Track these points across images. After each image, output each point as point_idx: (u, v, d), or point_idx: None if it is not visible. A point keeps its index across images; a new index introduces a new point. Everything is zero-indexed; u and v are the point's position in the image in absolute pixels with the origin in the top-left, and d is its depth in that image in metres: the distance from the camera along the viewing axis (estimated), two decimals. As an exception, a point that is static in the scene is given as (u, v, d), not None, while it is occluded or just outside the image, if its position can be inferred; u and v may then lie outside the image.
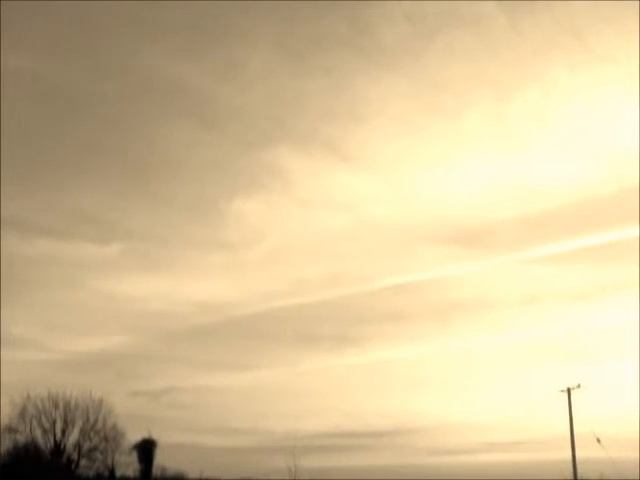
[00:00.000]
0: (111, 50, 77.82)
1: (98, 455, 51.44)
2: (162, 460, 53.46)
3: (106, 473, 51.72)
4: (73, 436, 50.98)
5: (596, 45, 75.98)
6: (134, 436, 52.37)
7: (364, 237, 77.71)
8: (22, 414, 50.10)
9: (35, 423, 50.37)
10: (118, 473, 52.08)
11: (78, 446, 50.96)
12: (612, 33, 73.96)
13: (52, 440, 50.46)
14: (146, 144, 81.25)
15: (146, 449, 52.67)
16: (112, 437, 51.41)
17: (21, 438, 50.14)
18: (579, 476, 46.78)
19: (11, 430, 49.71)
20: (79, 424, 51.14)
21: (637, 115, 70.61)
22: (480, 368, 70.08)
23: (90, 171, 78.20)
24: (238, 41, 79.44)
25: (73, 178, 77.88)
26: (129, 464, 52.61)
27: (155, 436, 53.02)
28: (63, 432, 50.94)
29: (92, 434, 51.26)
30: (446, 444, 63.56)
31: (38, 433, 50.40)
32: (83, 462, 51.14)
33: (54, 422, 50.80)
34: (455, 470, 57.95)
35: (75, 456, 50.86)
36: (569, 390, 47.70)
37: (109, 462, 51.63)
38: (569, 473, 46.47)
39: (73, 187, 77.14)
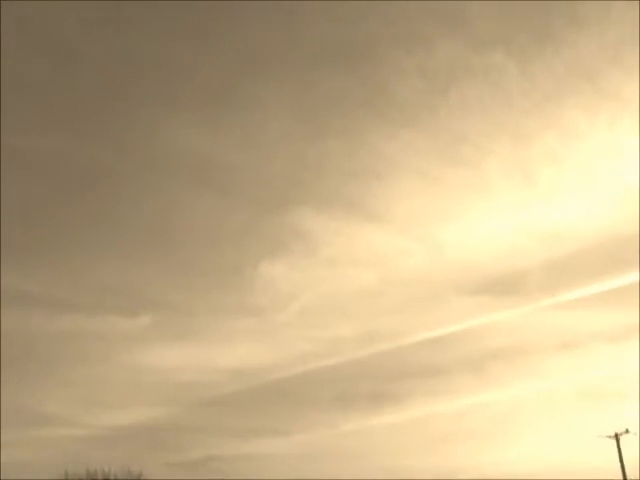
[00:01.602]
0: (127, 125, 79.63)
1: (140, 530, 50.41)
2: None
3: None
4: (113, 513, 50.06)
5: (608, 87, 76.41)
6: (174, 509, 51.57)
7: (393, 293, 77.26)
8: (61, 493, 49.38)
9: (74, 501, 49.59)
10: None
11: (119, 522, 49.99)
12: (622, 74, 74.61)
13: (92, 518, 49.56)
14: (168, 216, 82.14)
15: (188, 522, 51.75)
16: (152, 511, 50.49)
17: (61, 518, 49.30)
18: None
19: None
20: (119, 500, 50.29)
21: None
22: (522, 417, 68.46)
23: (114, 246, 78.88)
24: (253, 107, 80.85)
25: (97, 254, 78.52)
26: (172, 538, 51.65)
27: (196, 508, 52.21)
28: (102, 509, 50.07)
29: (132, 509, 50.33)
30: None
31: (78, 511, 49.56)
32: (125, 539, 50.14)
33: (93, 499, 50.01)
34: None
35: (117, 533, 49.87)
36: (617, 435, 46.54)
37: (151, 537, 50.61)
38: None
39: (98, 262, 77.74)
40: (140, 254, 78.76)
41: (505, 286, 76.44)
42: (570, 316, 73.02)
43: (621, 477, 46.04)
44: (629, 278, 68.85)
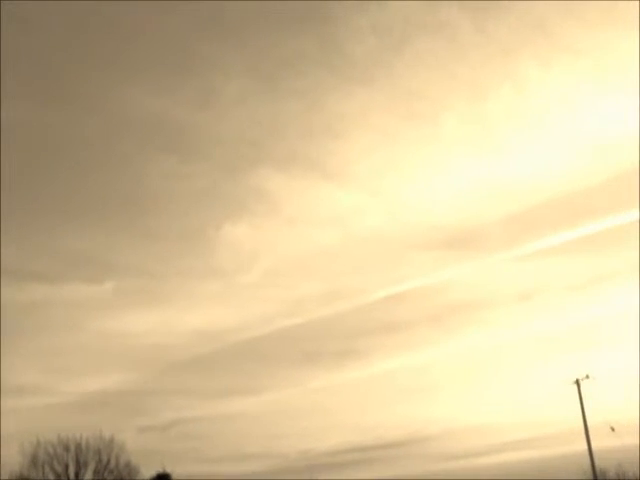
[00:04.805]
0: (86, 91, 78.31)
1: (114, 494, 50.88)
2: (179, 493, 53.12)
3: (124, 512, 51.14)
4: (87, 478, 50.35)
5: (561, 38, 77.20)
6: (148, 471, 51.96)
7: (355, 250, 78.04)
8: (34, 461, 49.40)
9: (48, 469, 49.62)
10: (136, 510, 51.55)
11: (93, 487, 50.37)
12: (575, 25, 75.47)
13: (67, 484, 49.88)
14: (129, 181, 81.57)
15: (162, 483, 52.37)
16: (126, 474, 50.81)
17: (35, 486, 49.54)
18: (597, 467, 46.93)
19: (24, 479, 49.07)
20: (92, 465, 50.38)
21: (609, 104, 72.10)
22: (485, 368, 70.49)
23: (77, 213, 78.31)
24: (211, 70, 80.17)
25: (60, 221, 77.89)
26: (147, 500, 52.17)
27: (169, 470, 52.72)
28: (77, 475, 50.23)
29: (106, 474, 50.57)
30: (461, 448, 63.58)
31: (51, 479, 49.81)
32: (100, 503, 50.59)
33: (67, 466, 49.95)
34: (472, 473, 57.88)
35: (92, 498, 50.27)
36: (578, 382, 47.94)
37: (126, 500, 51.09)
38: (588, 465, 46.64)
39: (61, 230, 77.10)
40: (102, 221, 78.30)
41: (464, 241, 77.85)
42: (528, 268, 74.72)
43: (582, 423, 47.56)
44: (586, 230, 70.68)
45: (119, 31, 75.41)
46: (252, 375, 71.28)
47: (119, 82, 77.40)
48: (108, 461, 50.73)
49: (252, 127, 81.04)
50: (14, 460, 48.62)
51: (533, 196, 74.53)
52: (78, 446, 50.42)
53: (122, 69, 77.58)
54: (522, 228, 75.64)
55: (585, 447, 46.83)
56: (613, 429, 45.80)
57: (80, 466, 50.27)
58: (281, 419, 67.63)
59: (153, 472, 52.28)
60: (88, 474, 50.31)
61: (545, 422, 56.80)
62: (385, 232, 77.80)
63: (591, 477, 46.70)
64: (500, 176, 76.83)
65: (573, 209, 73.21)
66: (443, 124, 78.85)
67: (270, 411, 68.85)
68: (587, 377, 47.82)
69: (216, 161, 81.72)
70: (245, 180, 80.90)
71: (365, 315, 74.58)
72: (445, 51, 78.51)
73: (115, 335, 72.29)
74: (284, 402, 69.38)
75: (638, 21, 67.76)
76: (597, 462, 46.71)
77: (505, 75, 78.33)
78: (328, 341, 75.03)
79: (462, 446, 63.73)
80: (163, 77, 79.17)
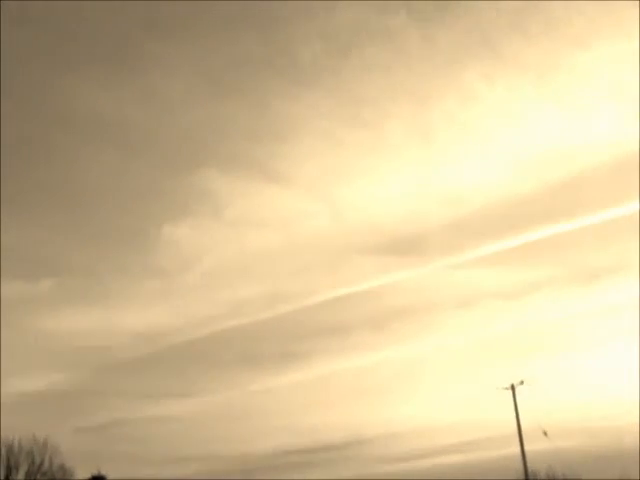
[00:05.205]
0: (25, 86, 76.86)
1: (47, 497, 49.96)
2: (114, 496, 52.43)
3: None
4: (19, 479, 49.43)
5: (506, 51, 78.87)
6: (83, 474, 51.11)
7: (298, 253, 78.31)
8: (-38, 463, 48.32)
9: (-23, 472, 48.66)
10: (70, 513, 50.72)
11: (25, 490, 49.35)
12: (519, 38, 77.16)
13: (-3, 487, 48.79)
14: (70, 177, 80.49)
15: (97, 486, 51.59)
16: (60, 476, 49.99)
17: (-38, 489, 48.38)
18: (529, 468, 47.98)
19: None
20: (24, 467, 49.50)
21: (549, 117, 73.96)
22: (425, 373, 71.31)
23: (14, 209, 76.38)
24: (156, 69, 79.66)
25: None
26: (81, 503, 51.34)
27: (104, 472, 51.97)
28: (7, 477, 49.22)
29: (39, 476, 49.69)
30: (399, 451, 64.25)
31: (-19, 481, 48.68)
32: (33, 506, 49.61)
33: (-4, 469, 49.16)
34: (410, 475, 58.55)
35: (23, 501, 49.26)
36: (513, 387, 48.91)
37: (60, 503, 50.22)
38: (520, 466, 47.67)
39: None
40: (40, 217, 77.00)
41: (406, 246, 78.66)
42: (468, 275, 75.89)
43: (516, 427, 48.50)
44: (524, 238, 72.18)
45: (60, 23, 74.48)
46: (191, 377, 70.93)
47: (59, 76, 76.53)
48: (41, 463, 49.83)
49: (196, 127, 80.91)
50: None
51: (473, 204, 75.99)
52: (10, 448, 49.45)
53: (64, 64, 76.70)
54: (462, 235, 76.75)
55: (518, 450, 47.86)
56: (545, 433, 46.91)
57: (11, 469, 49.30)
58: (220, 422, 67.46)
59: (88, 474, 51.50)
60: (20, 476, 49.43)
61: (481, 426, 57.82)
62: (328, 236, 78.39)
63: (523, 478, 47.72)
64: (443, 184, 78.15)
65: (512, 218, 74.66)
66: (387, 131, 79.86)
67: (209, 414, 68.64)
68: (522, 383, 48.79)
69: (159, 160, 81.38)
70: (188, 180, 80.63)
71: (306, 318, 74.87)
72: (391, 59, 79.58)
73: (52, 335, 71.16)
74: (223, 405, 69.25)
75: (581, 37, 69.97)
76: (529, 464, 47.80)
77: (449, 86, 79.77)
78: (268, 344, 75.04)
79: (400, 449, 64.47)
80: (106, 73, 78.45)
